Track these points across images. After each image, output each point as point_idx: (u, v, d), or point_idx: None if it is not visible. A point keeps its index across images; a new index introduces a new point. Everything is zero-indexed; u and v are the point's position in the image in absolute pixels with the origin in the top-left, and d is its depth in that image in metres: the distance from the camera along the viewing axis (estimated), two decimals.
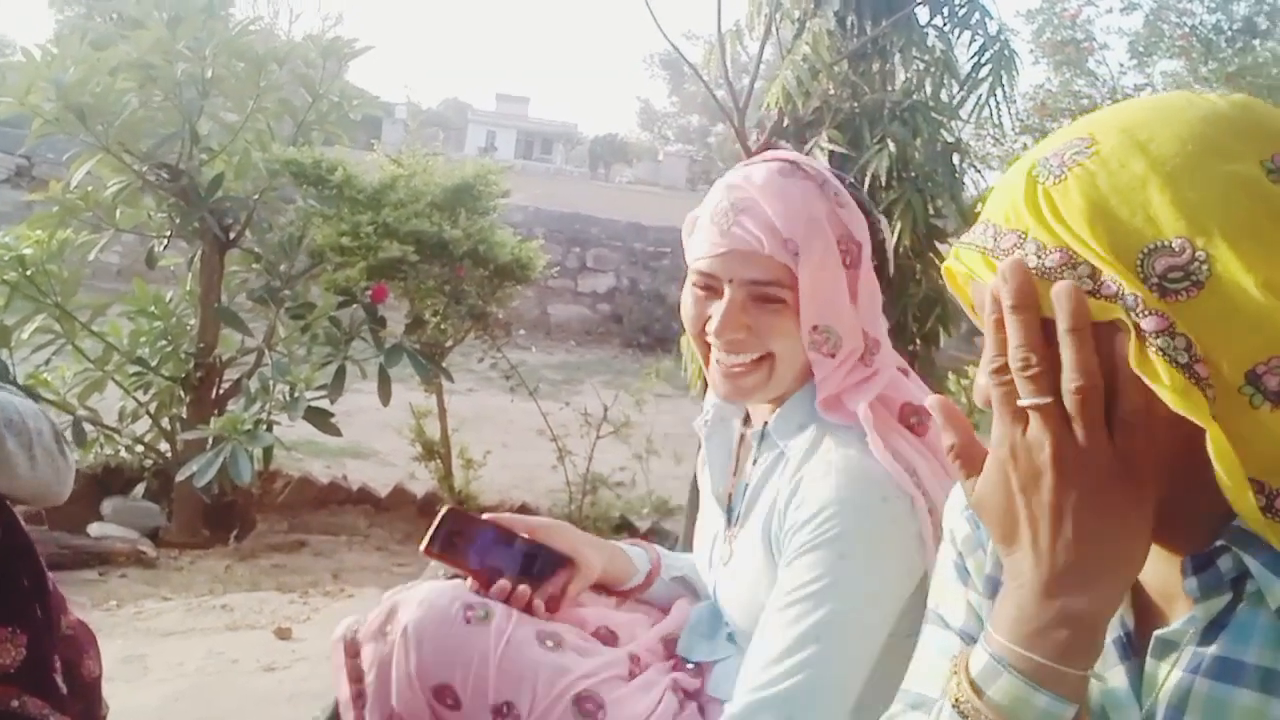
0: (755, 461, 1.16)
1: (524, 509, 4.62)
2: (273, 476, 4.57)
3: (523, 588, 1.17)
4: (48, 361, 3.84)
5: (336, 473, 4.95)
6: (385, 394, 3.74)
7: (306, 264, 3.89)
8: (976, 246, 0.64)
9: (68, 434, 3.89)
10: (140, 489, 4.24)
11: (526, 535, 1.23)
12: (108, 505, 4.16)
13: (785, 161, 1.09)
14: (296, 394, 3.52)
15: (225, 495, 4.25)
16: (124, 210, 3.97)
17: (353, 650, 1.14)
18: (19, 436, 1.06)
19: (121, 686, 1.90)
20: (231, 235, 3.98)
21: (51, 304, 3.73)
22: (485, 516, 1.23)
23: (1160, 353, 0.56)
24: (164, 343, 4.07)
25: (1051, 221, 0.61)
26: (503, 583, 1.16)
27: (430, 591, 1.12)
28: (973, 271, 0.64)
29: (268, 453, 3.61)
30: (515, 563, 1.20)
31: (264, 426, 3.56)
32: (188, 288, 4.12)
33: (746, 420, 1.21)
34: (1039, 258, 0.60)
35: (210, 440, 3.43)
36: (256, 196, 3.98)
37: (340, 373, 3.69)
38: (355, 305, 3.77)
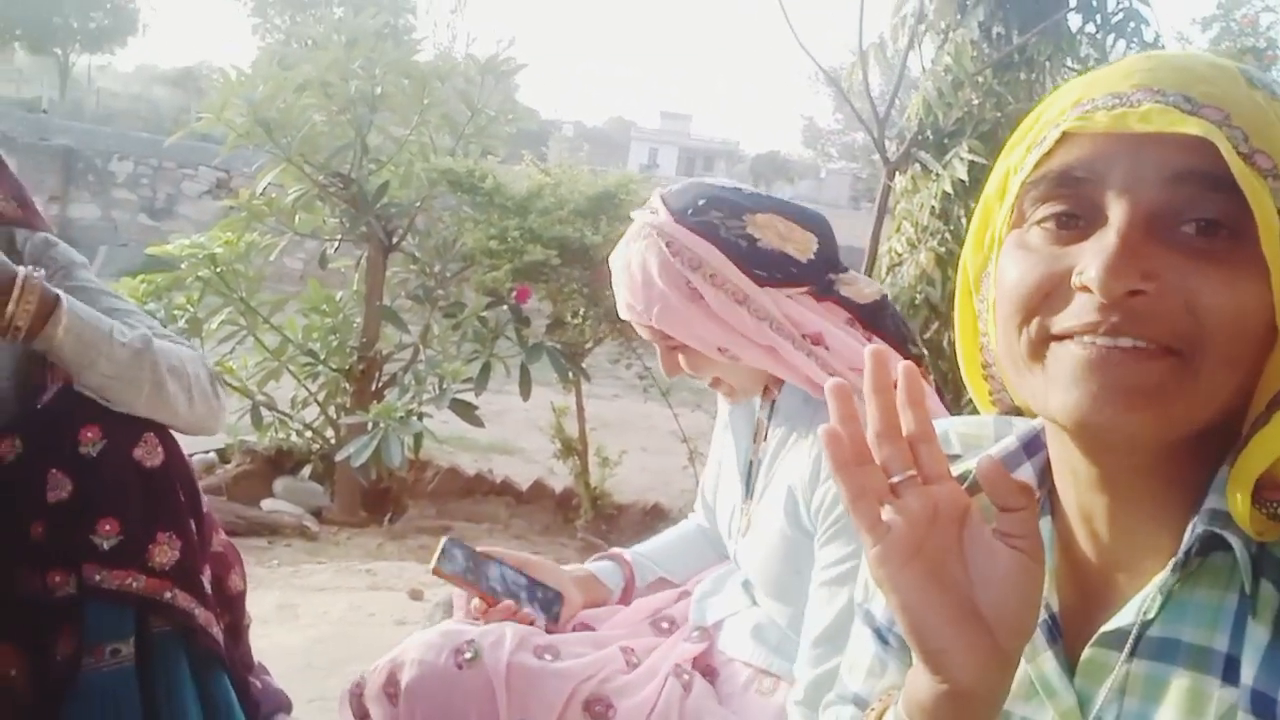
0: (767, 436, 1.25)
1: (657, 509, 4.78)
2: (424, 466, 4.90)
3: (527, 609, 1.27)
4: (232, 351, 4.25)
5: (483, 466, 5.24)
6: (526, 390, 3.96)
7: (459, 266, 4.17)
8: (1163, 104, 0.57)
9: (246, 417, 4.32)
10: (307, 470, 4.64)
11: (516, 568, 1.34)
12: (279, 484, 4.57)
13: (635, 225, 1.21)
14: (444, 386, 3.78)
15: (381, 481, 4.60)
16: (302, 216, 4.36)
17: (360, 709, 1.21)
18: (179, 380, 1.27)
19: (276, 628, 2.16)
20: (394, 239, 4.31)
21: (237, 299, 4.14)
22: (480, 549, 1.35)
23: None
24: (332, 337, 4.43)
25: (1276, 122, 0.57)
26: (508, 603, 1.26)
27: (422, 649, 1.18)
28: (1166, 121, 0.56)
29: (418, 440, 3.89)
30: (517, 589, 1.31)
31: (415, 416, 3.85)
32: (355, 287, 4.48)
33: (766, 394, 1.30)
34: (1250, 151, 0.56)
35: (369, 425, 3.74)
36: (418, 203, 4.30)
37: (485, 368, 3.94)
38: (502, 305, 4.02)
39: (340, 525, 4.31)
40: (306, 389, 4.46)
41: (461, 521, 4.64)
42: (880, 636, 0.79)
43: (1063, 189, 0.60)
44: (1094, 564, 0.66)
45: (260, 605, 2.36)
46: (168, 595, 1.22)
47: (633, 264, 1.18)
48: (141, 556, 1.21)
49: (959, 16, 4.08)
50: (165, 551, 1.22)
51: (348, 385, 4.44)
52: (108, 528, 1.20)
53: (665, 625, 1.31)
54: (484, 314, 4.04)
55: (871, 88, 4.26)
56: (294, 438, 4.64)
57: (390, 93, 4.12)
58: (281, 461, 4.72)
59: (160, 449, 1.25)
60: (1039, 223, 0.62)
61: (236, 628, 1.42)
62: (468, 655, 1.16)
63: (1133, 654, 0.61)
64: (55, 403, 1.24)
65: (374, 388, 4.42)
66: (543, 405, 4.76)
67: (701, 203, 1.19)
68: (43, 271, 1.21)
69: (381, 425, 3.66)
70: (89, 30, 26.73)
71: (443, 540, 1.31)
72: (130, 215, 12.20)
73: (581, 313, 4.15)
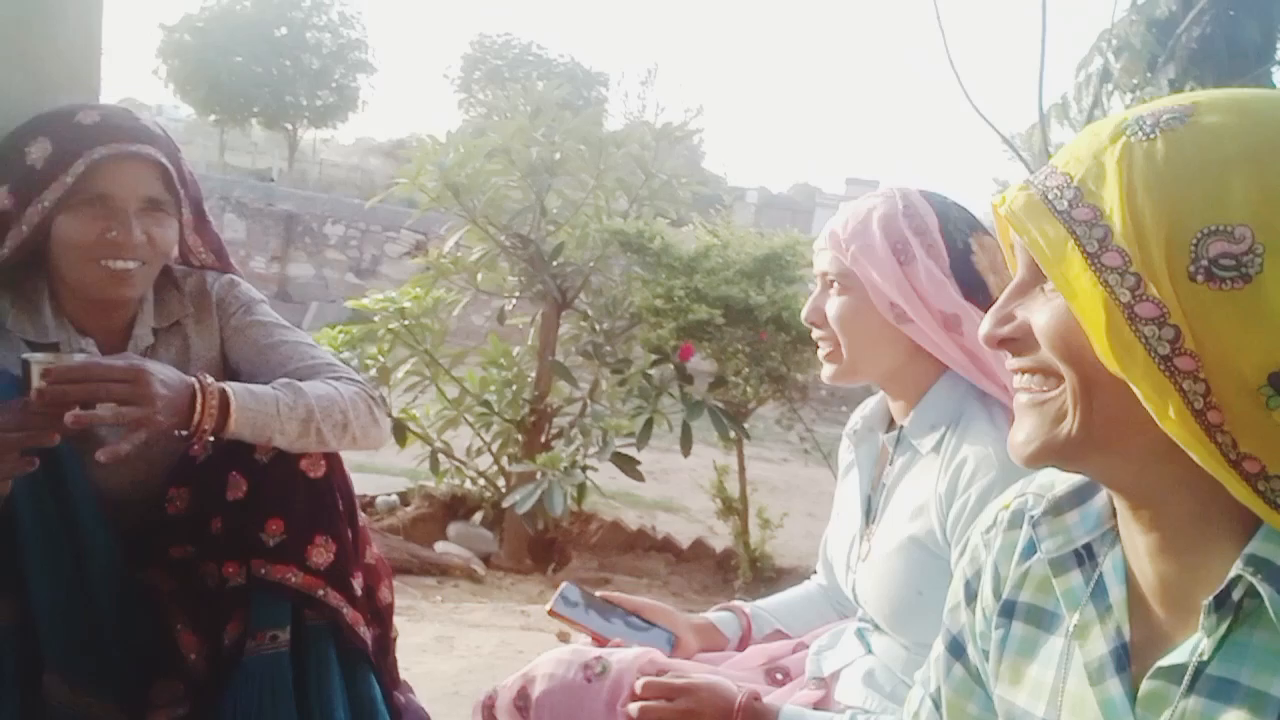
0: (893, 463, 1.24)
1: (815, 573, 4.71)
2: (589, 519, 5.02)
3: (637, 649, 1.29)
4: (415, 399, 4.53)
5: (646, 522, 5.31)
6: (686, 446, 4.01)
7: (626, 323, 4.31)
8: (1024, 183, 0.66)
9: (426, 462, 4.58)
10: (479, 516, 4.85)
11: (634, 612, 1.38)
12: (452, 528, 4.80)
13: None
14: (607, 439, 3.89)
15: (547, 531, 4.76)
16: (484, 274, 4.63)
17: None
18: (338, 431, 1.37)
19: (431, 657, 2.28)
20: (568, 297, 4.51)
21: (423, 351, 4.42)
22: (599, 593, 1.40)
23: (1142, 339, 0.57)
24: (508, 390, 4.65)
25: (1111, 174, 0.60)
26: (619, 641, 1.30)
27: (553, 664, 1.24)
28: (1005, 202, 0.66)
29: (581, 491, 4.01)
30: (630, 631, 1.34)
31: (579, 467, 3.98)
32: (530, 343, 4.70)
33: (889, 428, 1.29)
34: (1070, 205, 0.61)
35: (536, 475, 3.90)
36: (591, 263, 4.48)
37: (648, 424, 4.03)
38: (666, 363, 4.11)
39: (506, 571, 4.46)
40: (481, 438, 4.68)
41: (622, 575, 4.71)
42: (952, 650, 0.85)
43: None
44: (1156, 596, 0.67)
45: (420, 635, 2.50)
46: (320, 592, 1.34)
47: (860, 207, 1.25)
48: (300, 555, 1.33)
49: (1148, 74, 3.93)
50: (321, 553, 1.35)
51: (520, 436, 4.63)
52: (274, 527, 1.33)
53: (779, 676, 1.31)
54: (649, 371, 4.15)
55: (1053, 149, 4.14)
56: (468, 484, 4.87)
57: (568, 159, 4.34)
58: (456, 507, 4.96)
59: (323, 462, 1.39)
60: None
61: (385, 639, 1.52)
62: (597, 670, 1.22)
63: (1190, 690, 0.62)
64: None
65: (543, 439, 4.59)
66: (708, 465, 4.80)
67: (948, 199, 1.27)
68: (210, 380, 1.31)
69: (546, 475, 3.80)
70: (316, 107, 29.39)
71: (562, 584, 1.38)
72: (339, 274, 13.24)
73: (744, 372, 4.19)
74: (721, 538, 4.96)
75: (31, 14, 1.44)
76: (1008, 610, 0.77)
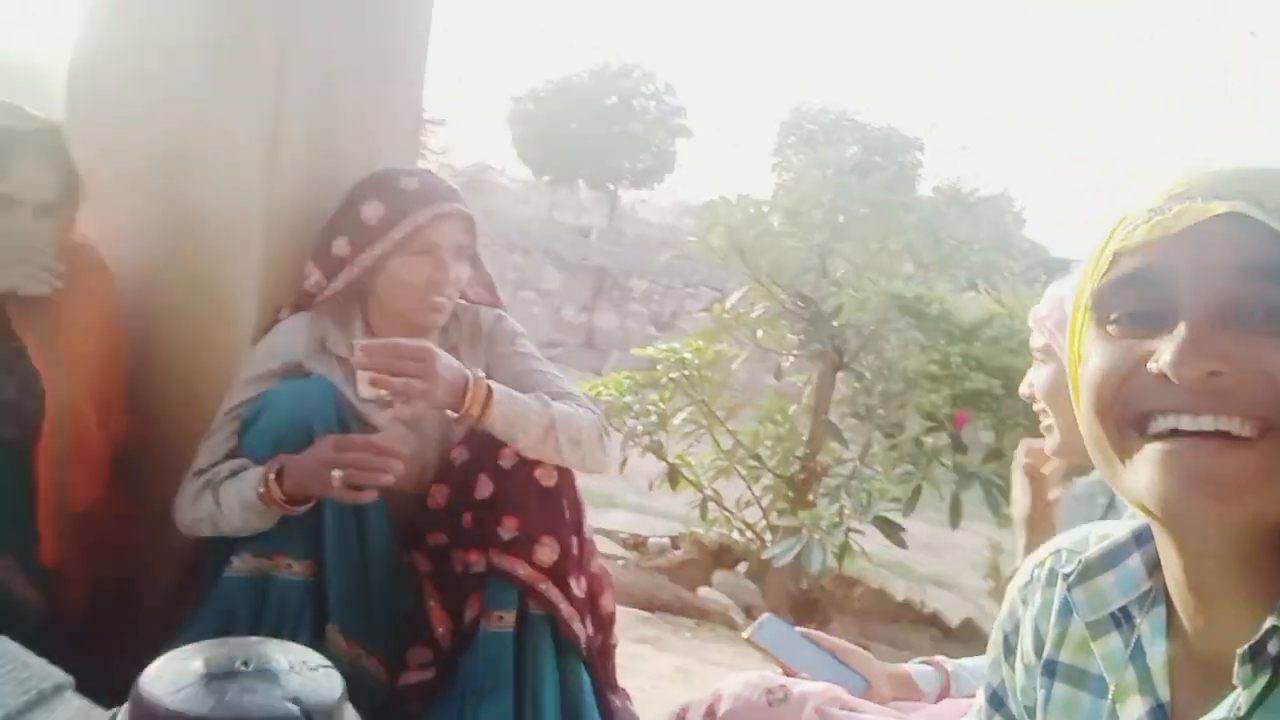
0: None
1: None
2: (853, 584, 4.95)
3: (824, 684, 1.32)
4: (689, 446, 4.73)
5: (915, 595, 5.14)
6: (955, 517, 3.89)
7: (902, 387, 4.25)
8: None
9: (696, 510, 4.75)
10: (743, 567, 4.94)
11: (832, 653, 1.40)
12: (717, 576, 4.92)
13: None
14: (870, 502, 3.85)
15: (811, 591, 4.75)
16: (765, 331, 4.77)
17: None
18: (575, 446, 1.58)
19: (668, 684, 2.41)
20: (845, 358, 4.53)
21: (700, 401, 4.62)
22: (798, 630, 1.43)
23: None
24: (779, 445, 4.73)
25: None
26: (805, 675, 1.34)
27: (740, 686, 1.31)
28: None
29: (843, 552, 3.99)
30: (822, 667, 1.37)
31: (843, 529, 3.97)
32: (804, 401, 4.76)
33: None
34: None
35: (803, 530, 3.94)
36: (871, 325, 4.48)
37: (917, 491, 3.94)
38: (940, 430, 4.02)
39: None
40: (750, 491, 4.78)
41: (883, 645, 4.59)
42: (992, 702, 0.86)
43: (1132, 289, 0.64)
44: (1201, 653, 0.66)
45: (661, 665, 2.64)
46: (542, 586, 1.53)
47: (1068, 282, 1.28)
48: (529, 551, 1.52)
49: None
50: (546, 552, 1.54)
51: (788, 492, 4.68)
52: (509, 523, 1.53)
53: None
54: (923, 437, 4.07)
55: None
56: (735, 535, 4.97)
57: (853, 222, 4.40)
58: (722, 555, 5.08)
59: (555, 474, 1.58)
60: (1114, 320, 0.66)
61: (605, 645, 1.69)
62: (779, 696, 1.28)
63: None
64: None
65: (810, 497, 4.62)
66: (983, 541, 4.59)
67: None
68: (482, 374, 1.56)
69: (806, 532, 3.83)
70: (636, 169, 31.35)
71: (764, 614, 1.46)
72: (640, 325, 13.99)
73: None
74: (994, 619, 4.70)
75: (366, 90, 1.78)
76: (1049, 669, 0.77)
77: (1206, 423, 0.59)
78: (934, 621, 4.78)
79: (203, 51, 1.67)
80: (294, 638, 1.37)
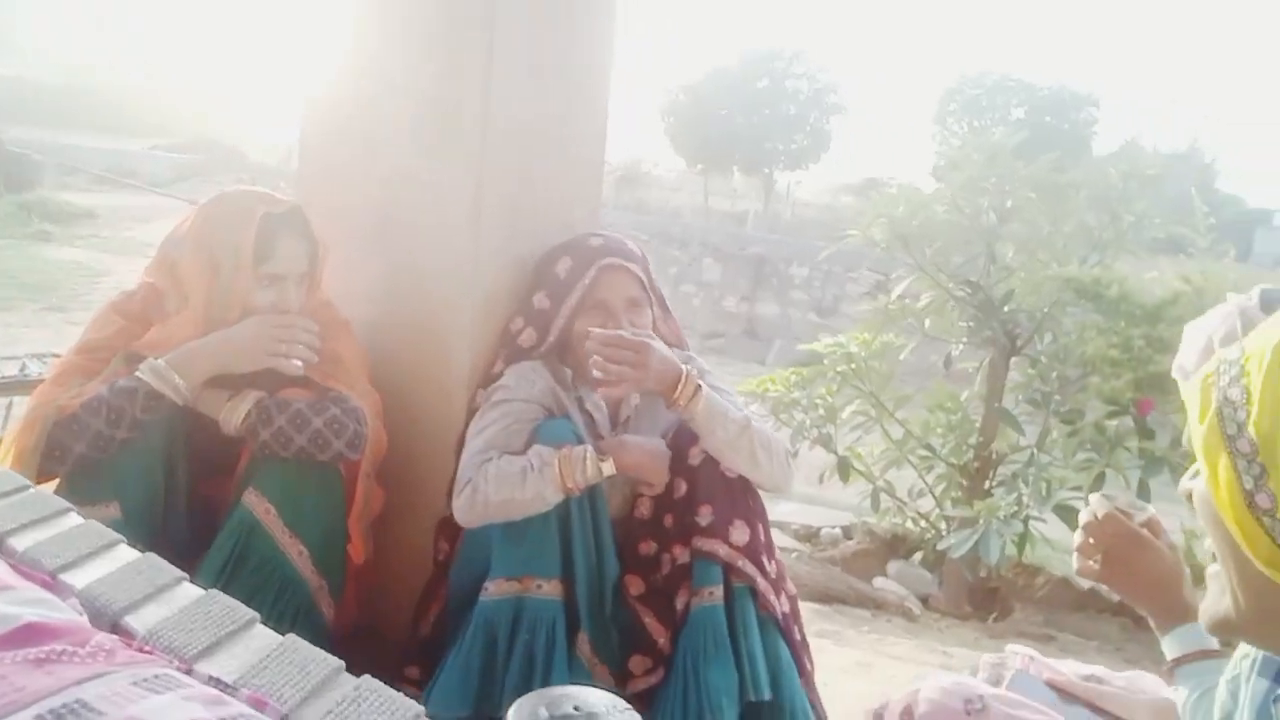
0: None
1: None
2: (1035, 572, 4.86)
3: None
4: (859, 438, 4.77)
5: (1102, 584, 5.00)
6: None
7: (1079, 373, 4.16)
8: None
9: (868, 500, 4.79)
10: (918, 557, 4.94)
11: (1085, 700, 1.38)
12: (892, 565, 4.95)
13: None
14: (1050, 490, 3.80)
15: (990, 580, 4.71)
16: (932, 319, 4.74)
17: None
18: (766, 452, 1.77)
19: (845, 677, 2.50)
20: (1018, 344, 4.46)
21: (868, 393, 4.64)
22: (1045, 678, 1.41)
23: (1260, 523, 0.64)
24: (952, 434, 4.70)
25: (1269, 359, 0.63)
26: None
27: (939, 690, 1.33)
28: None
29: (1022, 541, 3.94)
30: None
31: (1021, 518, 3.93)
32: (976, 388, 4.70)
33: None
34: (1229, 382, 0.66)
35: (978, 520, 3.93)
36: (1045, 310, 4.39)
37: (1100, 477, 3.86)
38: (1124, 415, 3.91)
39: (943, 614, 4.50)
40: (923, 480, 4.77)
41: (1069, 635, 4.50)
42: None
43: None
44: None
45: (840, 659, 2.73)
46: (740, 563, 1.71)
47: (1201, 327, 1.24)
48: (724, 532, 1.72)
49: None
50: (739, 533, 1.72)
51: (963, 481, 4.65)
52: (704, 510, 1.73)
53: None
54: (1104, 423, 3.97)
55: None
56: (908, 524, 4.98)
57: (1020, 206, 4.32)
58: (896, 545, 5.10)
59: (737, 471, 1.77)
60: None
61: (794, 620, 1.82)
62: (977, 706, 1.31)
63: None
64: (677, 435, 1.84)
65: (986, 486, 4.57)
66: (1173, 527, 4.41)
67: None
68: (695, 369, 1.77)
69: (984, 521, 3.82)
70: (790, 151, 31.04)
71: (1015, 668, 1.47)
72: (802, 313, 13.92)
73: None
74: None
75: (554, 154, 1.97)
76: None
77: None
78: (1123, 610, 4.64)
79: (414, 130, 1.91)
80: (550, 650, 1.65)
